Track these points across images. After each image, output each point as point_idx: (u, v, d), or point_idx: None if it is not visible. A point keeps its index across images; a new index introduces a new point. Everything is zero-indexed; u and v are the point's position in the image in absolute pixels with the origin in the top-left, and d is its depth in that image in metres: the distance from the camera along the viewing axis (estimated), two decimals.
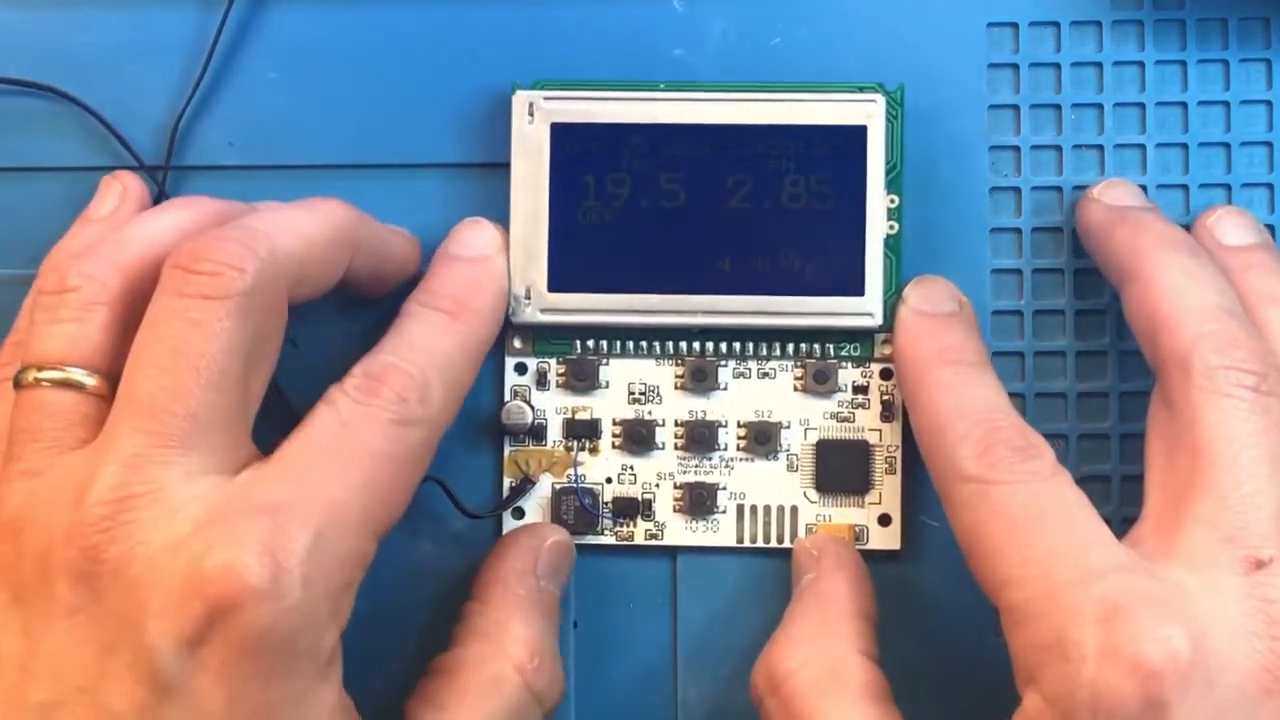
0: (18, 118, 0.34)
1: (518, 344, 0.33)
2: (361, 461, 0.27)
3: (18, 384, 0.28)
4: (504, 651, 0.30)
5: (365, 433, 0.28)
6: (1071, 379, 0.34)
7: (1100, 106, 0.34)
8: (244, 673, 0.25)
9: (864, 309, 0.32)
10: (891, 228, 0.32)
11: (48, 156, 0.34)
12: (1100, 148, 0.34)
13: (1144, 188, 0.34)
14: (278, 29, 0.34)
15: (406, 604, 0.33)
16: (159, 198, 0.33)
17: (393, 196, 0.33)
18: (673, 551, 0.33)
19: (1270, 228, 0.34)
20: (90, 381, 0.28)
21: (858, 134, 0.32)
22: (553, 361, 0.33)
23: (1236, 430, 0.28)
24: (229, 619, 0.25)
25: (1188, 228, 0.33)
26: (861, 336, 0.33)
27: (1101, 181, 0.33)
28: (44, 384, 0.28)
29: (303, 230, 0.29)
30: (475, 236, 0.32)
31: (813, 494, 0.33)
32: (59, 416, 0.28)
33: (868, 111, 0.32)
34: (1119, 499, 0.34)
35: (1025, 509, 0.28)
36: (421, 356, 0.29)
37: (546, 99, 0.32)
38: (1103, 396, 0.34)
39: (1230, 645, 0.26)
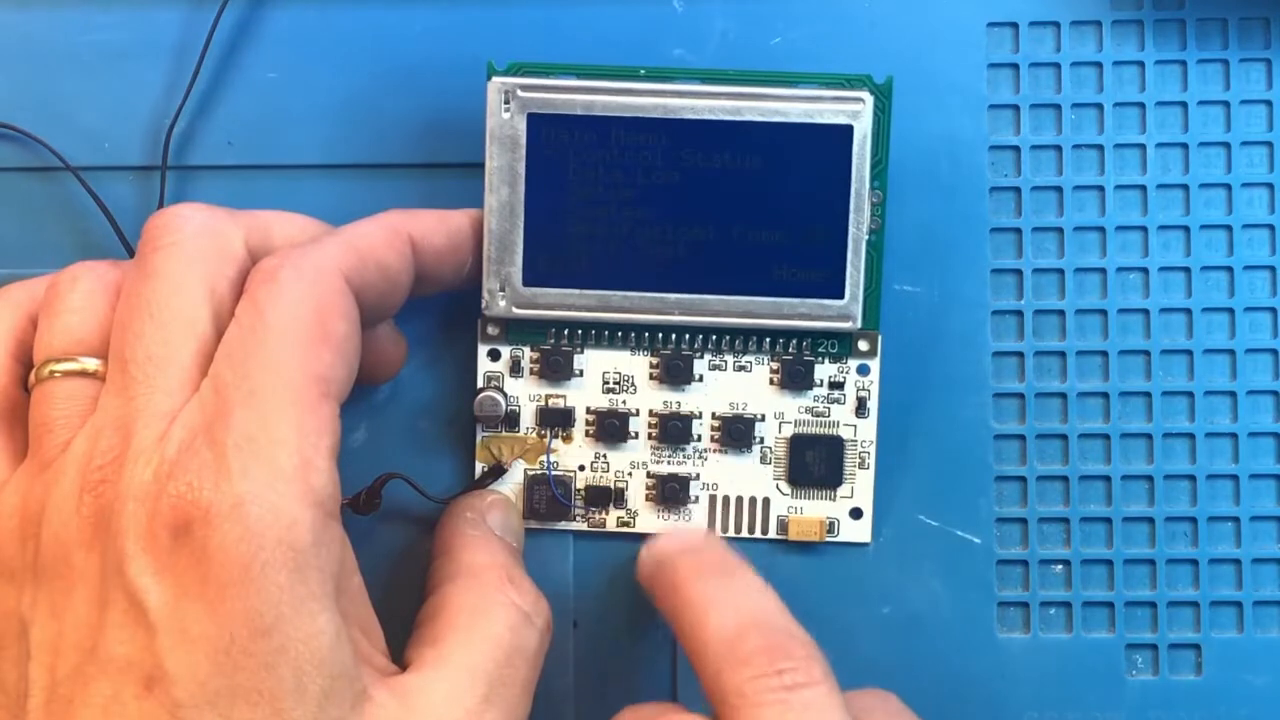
0: None
1: (491, 331, 0.33)
2: (268, 337, 0.27)
3: (37, 380, 0.29)
4: (479, 580, 0.30)
5: (261, 317, 0.27)
6: (1072, 379, 0.33)
7: (1100, 106, 0.33)
8: (221, 583, 0.25)
9: (843, 311, 0.31)
10: (875, 224, 0.32)
11: None
12: (1100, 148, 0.33)
13: (1144, 188, 0.33)
14: (276, 28, 0.33)
15: (388, 594, 0.33)
16: (158, 199, 0.33)
17: (397, 197, 0.33)
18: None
19: (1270, 227, 0.33)
20: (94, 364, 0.28)
21: (844, 133, 0.31)
22: (527, 349, 0.33)
23: None
24: (190, 537, 0.26)
25: (1185, 229, 0.33)
26: (840, 336, 0.32)
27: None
28: (57, 375, 0.28)
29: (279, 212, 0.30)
30: None
31: (785, 487, 0.33)
32: (66, 403, 0.28)
33: (854, 111, 0.31)
34: (1120, 499, 0.33)
35: None
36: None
37: (524, 89, 0.31)
38: (1102, 396, 0.33)
39: None
